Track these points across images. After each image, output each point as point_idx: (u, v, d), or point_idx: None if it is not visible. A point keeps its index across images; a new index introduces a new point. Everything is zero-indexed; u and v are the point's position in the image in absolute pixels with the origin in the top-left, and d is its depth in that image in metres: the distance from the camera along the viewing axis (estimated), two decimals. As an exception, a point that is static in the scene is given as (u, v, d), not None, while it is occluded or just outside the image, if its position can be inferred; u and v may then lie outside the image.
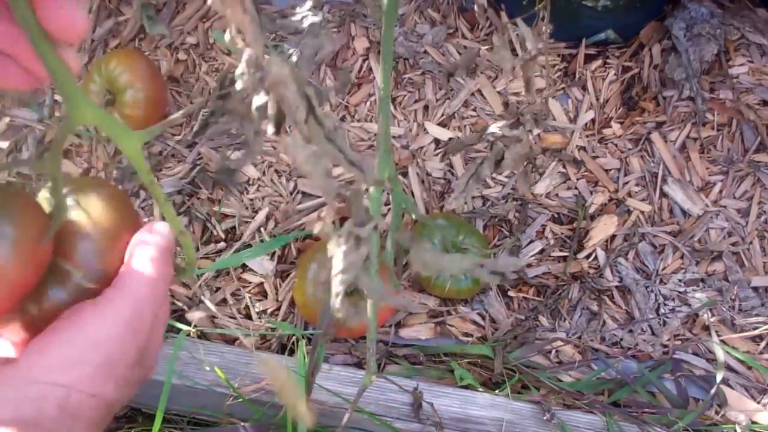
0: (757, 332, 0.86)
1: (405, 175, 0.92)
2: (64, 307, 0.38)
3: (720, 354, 0.84)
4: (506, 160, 0.55)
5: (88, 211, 0.38)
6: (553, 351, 0.86)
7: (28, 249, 0.35)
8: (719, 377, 0.81)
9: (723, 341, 0.86)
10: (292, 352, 0.83)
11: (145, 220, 0.90)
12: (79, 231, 0.38)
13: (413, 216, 0.86)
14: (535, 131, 0.57)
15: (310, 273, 0.79)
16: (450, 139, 0.93)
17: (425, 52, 0.97)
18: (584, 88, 0.96)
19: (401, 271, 0.87)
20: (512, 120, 0.56)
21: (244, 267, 0.89)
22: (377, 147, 0.59)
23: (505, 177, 0.92)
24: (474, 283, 0.83)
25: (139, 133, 0.33)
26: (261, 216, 0.90)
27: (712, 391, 0.81)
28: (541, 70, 0.97)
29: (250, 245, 0.90)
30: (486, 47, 0.98)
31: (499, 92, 0.96)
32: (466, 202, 0.91)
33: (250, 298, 0.87)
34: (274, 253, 0.89)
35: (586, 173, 0.93)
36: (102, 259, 0.38)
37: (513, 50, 0.97)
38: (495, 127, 0.54)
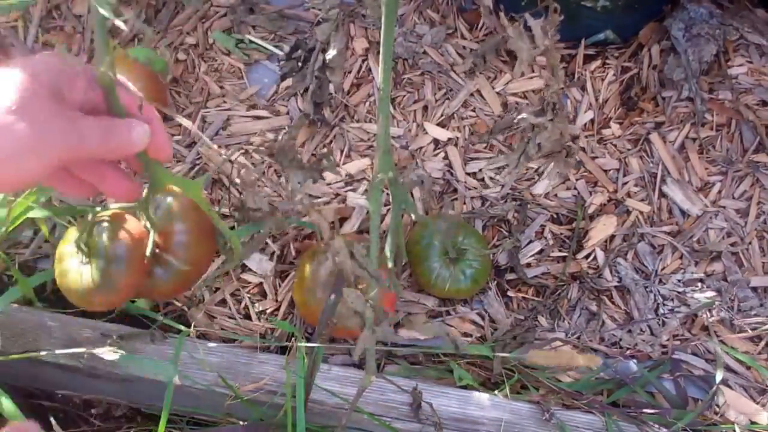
0: (756, 332, 0.86)
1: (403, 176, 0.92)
2: (167, 284, 0.65)
3: (720, 354, 0.84)
4: (545, 144, 0.57)
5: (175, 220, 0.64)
6: (553, 351, 0.86)
7: (135, 262, 0.61)
8: (719, 378, 0.81)
9: (722, 341, 0.86)
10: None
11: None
12: (174, 233, 0.64)
13: (412, 217, 0.86)
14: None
15: (309, 273, 0.79)
16: (449, 139, 0.94)
17: (424, 52, 0.97)
18: (583, 89, 0.96)
19: (400, 272, 0.87)
20: (537, 108, 0.57)
21: (244, 267, 0.89)
22: (377, 148, 0.59)
23: (504, 177, 0.92)
24: (473, 283, 0.83)
25: (198, 181, 0.53)
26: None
27: (712, 391, 0.81)
28: (540, 71, 0.97)
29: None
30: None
31: (498, 93, 0.96)
32: (465, 202, 0.91)
33: (249, 298, 0.88)
34: (273, 253, 0.89)
35: (586, 173, 0.93)
36: (190, 250, 0.64)
37: (512, 52, 0.97)
38: (524, 113, 0.56)
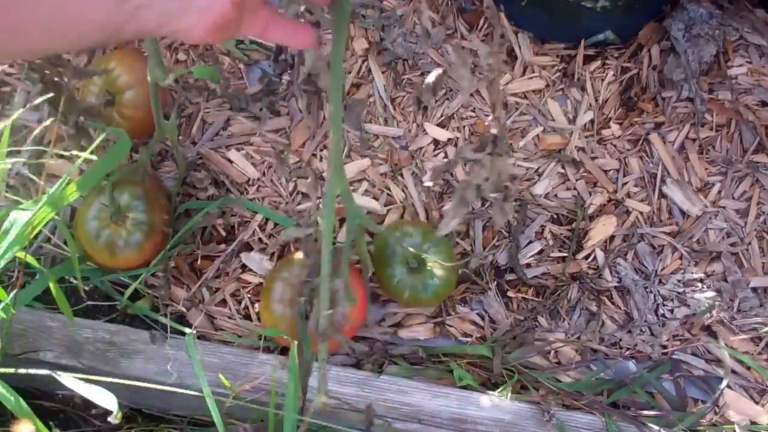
0: (756, 333, 0.86)
1: (403, 176, 0.92)
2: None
3: (726, 358, 0.83)
4: (485, 185, 0.56)
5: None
6: (552, 351, 0.86)
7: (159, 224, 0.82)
8: (725, 382, 0.81)
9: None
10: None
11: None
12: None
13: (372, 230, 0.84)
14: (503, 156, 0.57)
15: (275, 293, 0.78)
16: (449, 139, 0.94)
17: (424, 53, 0.97)
18: (583, 89, 0.96)
19: (367, 280, 0.85)
20: (476, 144, 0.56)
21: (244, 267, 0.89)
22: (329, 162, 0.59)
23: (504, 178, 0.92)
24: (434, 296, 0.82)
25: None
26: (260, 216, 0.90)
27: (715, 395, 0.81)
28: (540, 71, 0.97)
29: (249, 244, 0.90)
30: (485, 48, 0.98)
31: (498, 93, 0.96)
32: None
33: (249, 298, 0.88)
34: (273, 253, 0.89)
35: (585, 174, 0.93)
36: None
37: (512, 52, 0.97)
38: (466, 151, 0.56)
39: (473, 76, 0.96)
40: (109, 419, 0.59)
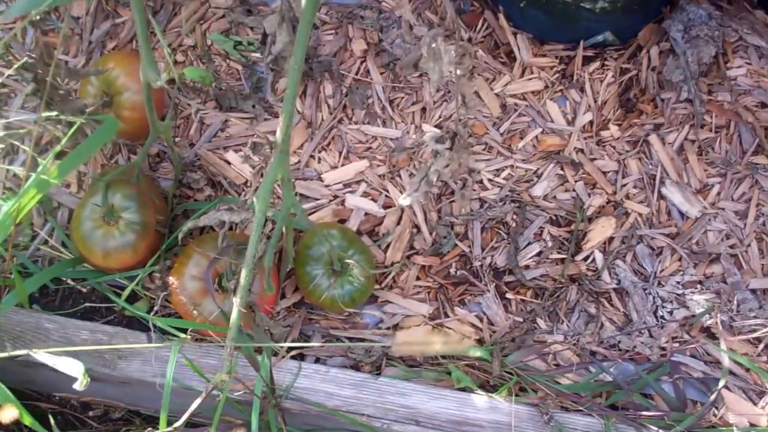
0: (755, 335, 0.86)
1: (401, 177, 0.92)
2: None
3: (725, 360, 0.83)
4: (445, 171, 0.58)
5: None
6: (551, 353, 0.86)
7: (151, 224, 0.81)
8: (722, 383, 0.81)
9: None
10: (302, 356, 0.83)
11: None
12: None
13: (302, 224, 0.82)
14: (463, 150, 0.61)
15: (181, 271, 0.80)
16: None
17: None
18: (582, 90, 0.96)
19: (283, 274, 0.85)
20: (438, 135, 0.58)
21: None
22: (275, 147, 0.59)
23: (503, 179, 0.92)
24: (350, 300, 0.82)
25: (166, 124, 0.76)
26: (258, 218, 0.90)
27: (713, 397, 0.81)
28: (539, 72, 0.97)
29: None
30: (484, 49, 0.98)
31: (496, 94, 0.96)
32: (462, 205, 0.91)
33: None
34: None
35: (584, 175, 0.93)
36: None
37: (511, 53, 0.97)
38: (427, 138, 0.59)
39: (470, 77, 0.96)
40: (73, 386, 0.59)
